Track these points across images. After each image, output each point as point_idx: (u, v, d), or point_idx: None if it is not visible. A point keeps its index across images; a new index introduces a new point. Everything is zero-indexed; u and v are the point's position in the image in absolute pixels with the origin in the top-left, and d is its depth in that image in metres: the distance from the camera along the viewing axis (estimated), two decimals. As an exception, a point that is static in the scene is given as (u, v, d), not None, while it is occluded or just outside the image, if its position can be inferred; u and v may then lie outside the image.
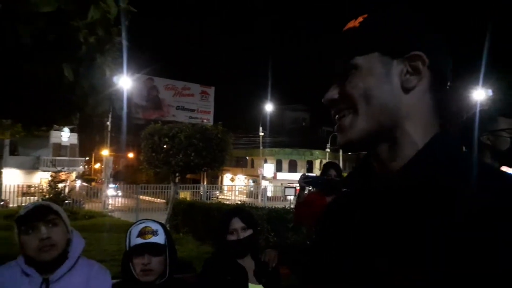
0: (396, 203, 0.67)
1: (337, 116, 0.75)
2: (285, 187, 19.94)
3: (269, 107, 35.92)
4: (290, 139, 42.97)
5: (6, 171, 28.28)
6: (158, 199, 20.56)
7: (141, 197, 19.12)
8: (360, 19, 0.73)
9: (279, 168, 42.35)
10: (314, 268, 0.82)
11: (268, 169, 40.24)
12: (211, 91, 31.11)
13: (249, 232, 2.24)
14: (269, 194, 28.77)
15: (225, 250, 2.24)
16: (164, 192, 19.23)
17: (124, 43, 3.06)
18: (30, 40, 2.23)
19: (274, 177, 40.07)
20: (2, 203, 19.80)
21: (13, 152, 29.67)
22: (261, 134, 37.11)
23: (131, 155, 44.94)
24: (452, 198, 0.61)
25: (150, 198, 20.87)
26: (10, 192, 19.50)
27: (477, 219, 0.58)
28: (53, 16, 2.24)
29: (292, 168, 41.43)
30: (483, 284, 0.56)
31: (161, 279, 1.91)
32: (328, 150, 38.54)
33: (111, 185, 22.55)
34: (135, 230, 1.95)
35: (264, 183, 34.13)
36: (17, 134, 3.70)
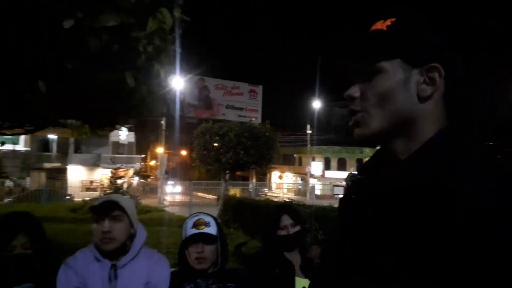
0: (399, 200, 0.70)
1: (354, 112, 0.81)
2: (334, 185, 19.69)
3: (316, 104, 35.48)
4: (338, 136, 42.21)
5: (70, 168, 30.35)
6: (209, 195, 21.17)
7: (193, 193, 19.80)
8: (388, 22, 0.77)
9: (327, 166, 41.72)
10: (328, 265, 0.85)
11: (316, 167, 39.83)
12: (259, 89, 31.34)
13: (297, 228, 2.36)
14: (318, 192, 28.51)
15: (274, 244, 2.37)
16: (215, 188, 19.78)
17: (178, 50, 3.30)
18: (98, 50, 2.51)
19: (323, 175, 39.56)
20: (68, 197, 21.40)
21: (76, 150, 31.60)
22: (309, 131, 36.78)
23: (184, 152, 46.38)
24: (453, 197, 0.63)
25: (201, 194, 21.52)
26: (75, 187, 21.01)
27: (477, 219, 0.60)
28: (117, 30, 2.50)
29: (341, 166, 40.66)
30: (485, 283, 0.57)
31: (213, 268, 2.09)
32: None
33: (169, 182, 23.13)
34: (190, 222, 2.16)
35: (312, 181, 33.83)
36: (85, 134, 4.11)
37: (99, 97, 2.99)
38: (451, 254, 0.60)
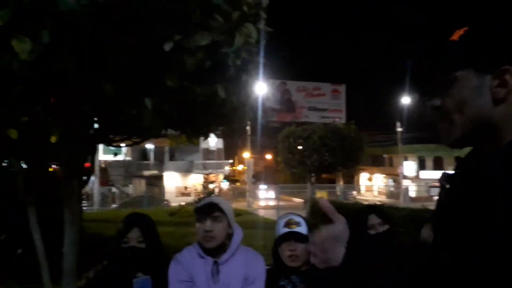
0: (473, 198, 0.74)
1: (439, 120, 0.88)
2: (430, 186, 18.42)
3: (406, 100, 33.50)
4: (433, 133, 39.09)
5: (166, 174, 32.69)
6: (296, 199, 21.26)
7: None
8: (461, 32, 0.83)
9: (422, 166, 39.01)
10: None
11: (409, 167, 37.54)
12: (342, 89, 30.65)
13: (386, 227, 2.37)
14: (412, 194, 26.88)
15: (364, 244, 2.40)
16: (301, 192, 19.82)
17: (262, 60, 3.49)
18: (193, 68, 2.78)
19: (417, 176, 37.14)
20: (165, 202, 23.16)
21: (171, 158, 33.96)
22: (399, 130, 34.82)
23: (269, 156, 47.21)
24: None
25: (287, 197, 21.71)
26: (170, 192, 22.64)
27: None
28: (208, 47, 2.75)
29: (438, 166, 37.63)
30: None
31: (306, 266, 2.19)
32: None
33: (261, 187, 23.45)
34: (282, 221, 2.29)
35: (405, 182, 31.99)
36: (182, 143, 4.52)
37: (195, 109, 3.30)
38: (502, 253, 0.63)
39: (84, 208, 10.65)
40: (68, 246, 3.87)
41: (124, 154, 32.63)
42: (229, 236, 2.18)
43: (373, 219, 2.39)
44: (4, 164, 6.97)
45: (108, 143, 4.42)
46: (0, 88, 3.10)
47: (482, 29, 0.82)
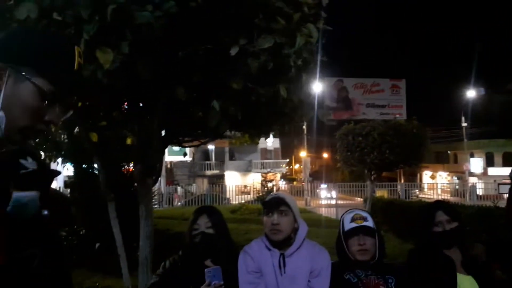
0: None
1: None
2: (499, 184, 17.13)
3: (471, 93, 31.36)
4: (501, 128, 36.27)
5: (227, 174, 33.61)
6: (355, 197, 20.83)
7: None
8: None
9: (490, 163, 36.35)
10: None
11: (475, 164, 35.18)
12: (402, 84, 29.43)
13: (454, 224, 2.31)
14: (479, 192, 25.18)
15: (430, 241, 2.37)
16: (360, 190, 19.37)
17: (321, 59, 3.55)
18: (257, 70, 2.92)
19: (485, 173, 34.68)
20: (226, 200, 23.79)
21: (231, 158, 34.92)
22: (464, 125, 32.72)
23: (325, 155, 46.62)
24: None
25: (345, 196, 21.29)
26: (231, 191, 23.25)
27: None
28: (271, 50, 2.87)
29: (508, 162, 34.84)
30: None
31: (372, 260, 2.23)
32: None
33: (323, 185, 23.14)
34: (347, 217, 2.34)
35: (471, 180, 30.02)
36: (245, 142, 4.70)
37: (258, 110, 3.44)
38: None
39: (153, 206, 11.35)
40: (143, 239, 4.19)
41: (189, 155, 34.01)
42: (295, 230, 2.28)
43: (440, 216, 2.34)
44: (84, 166, 7.66)
45: (178, 144, 4.72)
46: (84, 96, 3.47)
47: None
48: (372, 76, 29.94)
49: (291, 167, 52.68)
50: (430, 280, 2.24)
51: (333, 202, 20.05)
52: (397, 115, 25.51)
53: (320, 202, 22.01)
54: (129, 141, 4.79)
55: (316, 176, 40.00)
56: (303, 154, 31.23)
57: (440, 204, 2.46)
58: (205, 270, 2.20)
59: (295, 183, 34.54)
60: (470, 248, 2.37)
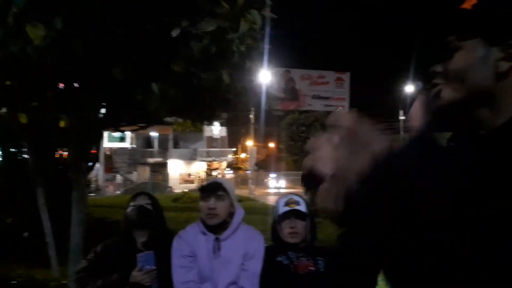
0: (482, 176, 0.72)
1: (435, 85, 0.88)
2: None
3: (409, 88, 33.24)
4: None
5: (170, 162, 32.91)
6: (298, 186, 21.38)
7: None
8: (474, 1, 0.82)
9: (422, 155, 38.94)
10: None
11: (410, 156, 37.45)
12: (346, 77, 30.46)
13: None
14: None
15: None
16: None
17: (266, 47, 3.56)
18: (199, 53, 2.87)
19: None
20: (169, 189, 23.41)
21: (175, 146, 34.12)
22: (402, 118, 34.72)
23: (272, 144, 47.29)
24: None
25: (289, 185, 21.81)
26: (174, 179, 22.90)
27: None
28: (214, 33, 2.83)
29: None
30: None
31: (304, 243, 2.30)
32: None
33: (272, 175, 23.17)
34: (282, 201, 2.39)
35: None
36: (187, 128, 4.61)
37: (200, 95, 3.39)
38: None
39: (89, 194, 10.85)
40: (74, 226, 4.01)
41: (129, 141, 32.85)
42: (231, 215, 2.30)
43: None
44: (12, 150, 7.12)
45: (115, 128, 4.53)
46: (12, 73, 3.19)
47: (495, 1, 0.81)
48: (318, 68, 30.66)
49: (237, 156, 52.88)
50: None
51: (281, 191, 20.41)
52: (340, 107, 26.43)
53: (268, 190, 22.24)
54: (62, 123, 4.50)
55: (262, 165, 40.52)
56: (249, 143, 31.43)
57: None
58: (137, 255, 2.16)
59: (240, 172, 34.69)
60: None
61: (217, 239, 2.24)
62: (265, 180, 22.02)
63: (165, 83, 3.04)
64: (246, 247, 2.26)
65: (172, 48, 2.90)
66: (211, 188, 2.29)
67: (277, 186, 23.62)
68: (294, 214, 2.28)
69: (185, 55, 2.88)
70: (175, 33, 2.68)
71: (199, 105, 3.60)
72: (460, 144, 0.88)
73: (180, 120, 4.35)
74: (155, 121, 4.26)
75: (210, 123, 4.16)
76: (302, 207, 2.31)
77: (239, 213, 2.38)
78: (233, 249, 2.25)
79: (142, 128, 4.72)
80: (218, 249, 2.23)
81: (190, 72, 2.98)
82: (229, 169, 32.38)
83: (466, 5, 0.81)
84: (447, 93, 0.84)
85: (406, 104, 33.61)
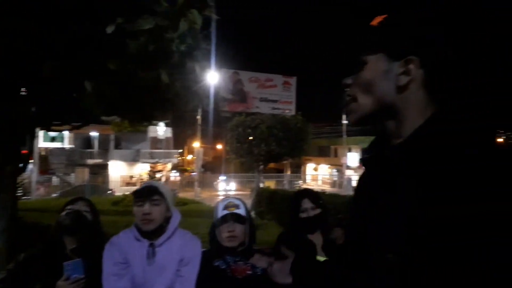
0: (394, 182, 0.81)
1: (348, 97, 0.94)
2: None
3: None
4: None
5: (111, 163, 31.56)
6: (246, 188, 21.43)
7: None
8: (380, 19, 0.89)
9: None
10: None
11: (352, 158, 39.17)
12: (293, 81, 31.11)
13: (317, 211, 2.51)
14: (355, 183, 28.03)
15: (296, 226, 2.53)
16: (250, 181, 20.04)
17: (209, 47, 3.52)
18: (136, 51, 2.76)
19: (360, 166, 38.76)
20: (109, 191, 22.42)
21: (117, 146, 32.71)
22: (345, 122, 36.18)
23: (219, 146, 47.06)
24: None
25: (239, 187, 21.81)
26: (115, 182, 21.96)
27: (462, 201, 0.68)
28: (152, 31, 2.74)
29: (378, 157, 39.52)
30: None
31: (242, 247, 2.29)
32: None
33: (221, 177, 22.58)
34: (221, 204, 2.36)
35: (348, 172, 33.39)
36: (125, 129, 4.44)
37: (138, 94, 3.27)
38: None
39: (22, 197, 10.10)
40: (-1, 234, 3.69)
41: (67, 141, 31.06)
42: (167, 220, 2.23)
43: (306, 204, 2.51)
44: None
45: (46, 127, 4.24)
46: None
47: (397, 18, 0.88)
48: (266, 71, 31.03)
49: (183, 157, 51.98)
50: (293, 263, 2.39)
51: (230, 193, 20.21)
52: (287, 110, 26.91)
53: (218, 193, 21.92)
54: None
55: (209, 167, 40.13)
56: (196, 144, 31.03)
57: (306, 192, 2.63)
58: (64, 263, 2.02)
59: (186, 174, 34.10)
60: (331, 232, 2.58)
61: (151, 245, 2.17)
62: (215, 182, 21.62)
63: (100, 81, 2.90)
64: (182, 253, 2.20)
65: (108, 45, 2.77)
66: (146, 193, 2.20)
67: (226, 189, 23.34)
68: (233, 217, 2.26)
69: (122, 53, 2.76)
70: (109, 29, 2.57)
71: (137, 104, 3.47)
72: (372, 156, 0.95)
73: (118, 119, 4.17)
74: (90, 120, 4.04)
75: (150, 124, 4.03)
76: (241, 211, 2.30)
77: (176, 217, 2.31)
78: (169, 255, 2.18)
79: (77, 127, 4.46)
80: (152, 256, 2.15)
81: (126, 71, 2.86)
82: (175, 171, 31.72)
83: (374, 22, 0.89)
84: (357, 106, 0.90)
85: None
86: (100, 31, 2.64)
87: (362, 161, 0.99)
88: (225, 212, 2.28)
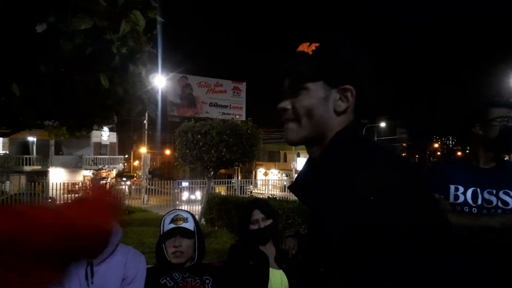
0: (315, 198, 0.90)
1: (286, 120, 0.99)
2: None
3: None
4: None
5: (52, 170, 29.82)
6: (195, 195, 21.00)
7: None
8: (313, 47, 0.94)
9: (313, 162, 41.87)
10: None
11: (301, 163, 40.06)
12: (243, 87, 31.31)
13: (269, 221, 2.44)
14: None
15: (248, 238, 2.45)
16: (201, 187, 19.72)
17: (152, 50, 3.35)
18: (71, 53, 2.55)
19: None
20: (49, 200, 21.05)
21: (58, 152, 31.02)
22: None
23: (167, 152, 46.09)
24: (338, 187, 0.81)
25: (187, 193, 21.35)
26: (56, 189, 20.68)
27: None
28: (90, 32, 2.54)
29: (326, 161, 40.78)
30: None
31: (190, 262, 2.17)
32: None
33: (184, 183, 21.15)
34: (168, 217, 2.23)
35: (297, 177, 34.00)
36: (62, 136, 4.14)
37: (75, 99, 3.02)
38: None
39: None
40: None
41: (0, 147, 28.94)
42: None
43: (257, 215, 2.44)
44: None
45: (-31, 133, 3.83)
46: None
47: (332, 48, 0.93)
48: (215, 76, 30.94)
49: (130, 163, 50.28)
50: (245, 276, 2.31)
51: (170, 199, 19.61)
52: (237, 116, 26.94)
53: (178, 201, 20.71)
54: None
55: (156, 173, 39.10)
56: (143, 150, 30.12)
57: (256, 203, 2.56)
58: None
59: (133, 180, 32.91)
60: (283, 243, 2.53)
61: (89, 264, 1.99)
62: (176, 190, 20.22)
63: (30, 85, 2.64)
64: (124, 271, 2.06)
65: (38, 46, 2.53)
66: None
67: (191, 200, 21.81)
68: (179, 232, 2.13)
69: (54, 55, 2.53)
70: (40, 28, 2.34)
71: (75, 110, 3.22)
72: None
73: (51, 123, 3.88)
74: (24, 126, 3.70)
75: (90, 130, 3.77)
76: (190, 225, 2.18)
77: (117, 233, 2.14)
78: (109, 274, 2.02)
79: (6, 134, 4.08)
80: (91, 276, 1.98)
81: (61, 74, 2.63)
82: (125, 178, 30.45)
83: (307, 49, 0.93)
84: (297, 127, 0.96)
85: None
86: (30, 30, 2.40)
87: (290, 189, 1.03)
88: (172, 225, 2.15)
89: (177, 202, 18.71)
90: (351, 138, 0.91)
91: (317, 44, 0.93)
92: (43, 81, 2.66)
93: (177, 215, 2.25)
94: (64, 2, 2.42)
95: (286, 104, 0.98)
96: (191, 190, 21.24)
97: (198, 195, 20.30)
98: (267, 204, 2.59)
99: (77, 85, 2.77)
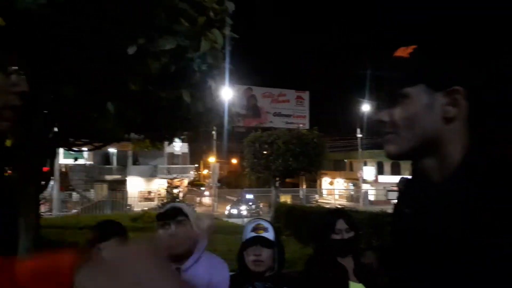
0: (440, 219, 0.79)
1: (385, 132, 0.88)
2: (388, 190, 19.00)
3: (366, 107, 34.50)
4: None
5: (129, 179, 31.81)
6: (261, 203, 21.21)
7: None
8: (410, 50, 0.83)
9: (380, 171, 40.18)
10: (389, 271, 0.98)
11: (368, 172, 38.63)
12: (305, 95, 31.13)
13: (352, 233, 2.38)
14: (371, 198, 27.60)
15: (328, 248, 2.41)
16: (266, 195, 19.87)
17: (228, 66, 3.50)
18: (158, 72, 2.75)
19: (376, 180, 38.19)
20: (128, 207, 22.52)
21: (134, 162, 33.04)
22: (359, 136, 35.83)
23: (234, 161, 47.08)
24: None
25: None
26: (133, 197, 22.08)
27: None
28: (174, 52, 2.73)
29: (395, 171, 38.94)
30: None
31: (270, 272, 2.20)
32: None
33: (248, 196, 21.04)
34: (250, 226, 2.28)
35: (364, 186, 32.87)
36: (146, 148, 4.46)
37: (159, 114, 3.25)
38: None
39: (43, 214, 10.18)
40: (22, 254, 3.68)
41: (85, 158, 31.45)
42: (194, 243, 2.18)
43: (341, 225, 2.38)
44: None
45: (68, 147, 4.26)
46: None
47: (433, 47, 0.84)
48: (279, 86, 31.14)
49: (200, 172, 52.10)
50: None
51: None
52: (301, 125, 26.83)
53: (241, 210, 20.81)
54: (8, 143, 4.18)
55: (224, 182, 40.04)
56: (212, 159, 31.06)
57: (341, 213, 2.49)
58: None
59: (203, 188, 33.95)
60: (363, 256, 2.45)
61: (178, 270, 2.11)
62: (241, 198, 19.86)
63: (122, 102, 2.89)
64: (209, 277, 2.12)
65: (129, 66, 2.77)
66: (171, 214, 2.15)
67: (252, 209, 21.47)
68: (260, 241, 2.17)
69: (143, 74, 2.76)
70: (131, 50, 2.56)
71: (159, 124, 3.46)
72: (415, 190, 0.90)
73: (139, 137, 4.19)
74: (111, 140, 4.05)
75: (171, 142, 4.01)
76: (270, 234, 2.21)
77: (202, 241, 2.24)
78: (196, 279, 2.10)
79: (98, 147, 4.48)
80: None
81: (148, 91, 2.85)
82: (203, 188, 31.19)
83: (402, 53, 0.84)
84: (397, 139, 0.85)
85: (363, 122, 34.80)
86: (122, 52, 2.64)
87: (402, 204, 0.94)
88: (253, 234, 2.20)
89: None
90: (490, 153, 0.77)
91: (414, 46, 0.84)
92: (133, 99, 2.90)
93: (258, 224, 2.30)
94: (152, 24, 2.63)
95: (383, 115, 0.87)
96: (256, 198, 21.35)
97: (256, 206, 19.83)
98: (351, 216, 2.52)
99: (162, 101, 2.98)
